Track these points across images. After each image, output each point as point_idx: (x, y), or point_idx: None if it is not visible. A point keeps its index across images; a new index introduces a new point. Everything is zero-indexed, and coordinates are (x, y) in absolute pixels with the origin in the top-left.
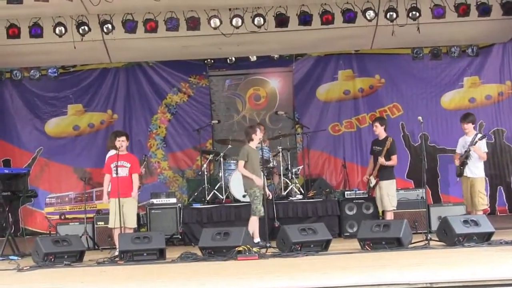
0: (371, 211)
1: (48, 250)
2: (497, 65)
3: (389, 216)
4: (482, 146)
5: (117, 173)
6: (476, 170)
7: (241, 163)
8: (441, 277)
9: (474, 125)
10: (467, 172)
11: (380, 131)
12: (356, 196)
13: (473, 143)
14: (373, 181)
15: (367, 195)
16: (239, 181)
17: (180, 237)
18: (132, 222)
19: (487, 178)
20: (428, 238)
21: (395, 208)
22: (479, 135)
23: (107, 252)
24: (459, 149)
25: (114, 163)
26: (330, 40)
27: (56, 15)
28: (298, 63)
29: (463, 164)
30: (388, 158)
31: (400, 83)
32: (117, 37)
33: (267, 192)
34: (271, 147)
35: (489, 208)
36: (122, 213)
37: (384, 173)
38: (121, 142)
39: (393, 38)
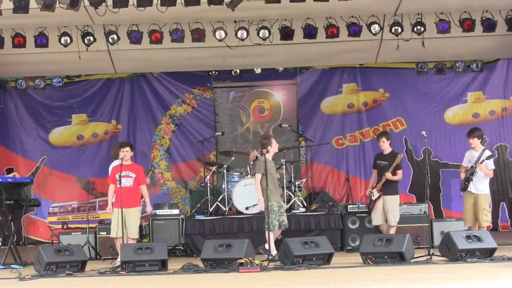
0: (373, 225)
1: (50, 260)
2: (501, 81)
3: (393, 231)
4: (489, 165)
5: (120, 183)
6: (481, 186)
7: (258, 176)
8: None
9: (481, 140)
10: (472, 188)
11: (386, 146)
12: (359, 210)
13: (479, 160)
14: (375, 194)
15: (367, 209)
16: (242, 193)
17: (182, 248)
18: (134, 233)
19: (489, 194)
20: (431, 253)
21: (396, 223)
22: (487, 154)
23: (109, 262)
24: (465, 163)
25: (118, 173)
26: (335, 54)
27: (61, 25)
28: (302, 76)
29: (468, 180)
30: (393, 173)
31: (404, 97)
32: (122, 48)
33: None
34: (274, 160)
35: (491, 224)
36: (125, 223)
37: (390, 188)
38: (125, 152)
39: (398, 52)
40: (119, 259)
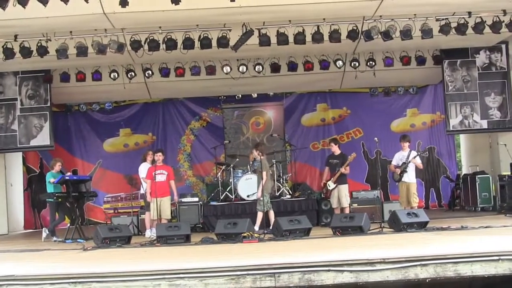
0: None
1: (105, 235)
2: (430, 100)
3: (347, 210)
4: (418, 160)
5: (155, 179)
6: (411, 177)
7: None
8: (391, 254)
9: (409, 144)
10: (405, 178)
11: (335, 148)
12: None
13: (413, 156)
14: (332, 185)
15: (324, 196)
16: (244, 185)
17: (201, 226)
18: (167, 215)
19: (423, 182)
20: (382, 226)
21: (348, 205)
22: (414, 153)
23: (148, 237)
24: (395, 161)
25: (154, 172)
26: (311, 82)
27: (111, 64)
28: (287, 99)
29: (402, 172)
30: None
31: (361, 113)
32: (155, 80)
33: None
34: (268, 160)
35: (424, 204)
36: (160, 209)
37: (343, 179)
38: (158, 156)
39: (356, 80)
40: (154, 234)
